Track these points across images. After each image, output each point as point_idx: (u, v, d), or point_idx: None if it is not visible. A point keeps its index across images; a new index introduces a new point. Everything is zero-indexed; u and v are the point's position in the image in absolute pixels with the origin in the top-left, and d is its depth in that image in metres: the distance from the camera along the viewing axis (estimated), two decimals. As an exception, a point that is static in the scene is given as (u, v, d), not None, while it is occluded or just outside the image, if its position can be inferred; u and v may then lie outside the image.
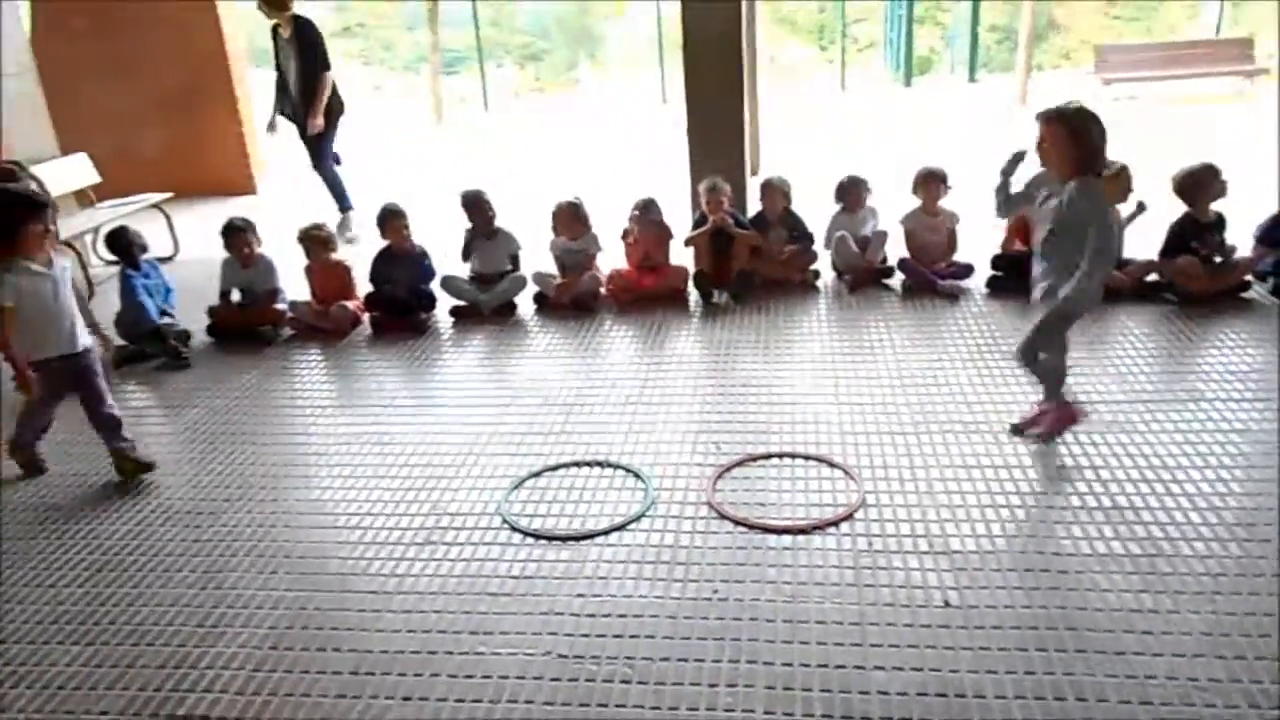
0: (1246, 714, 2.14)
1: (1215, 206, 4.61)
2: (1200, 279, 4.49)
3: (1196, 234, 4.53)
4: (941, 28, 22.34)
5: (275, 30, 6.73)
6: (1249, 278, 4.58)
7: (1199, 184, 4.52)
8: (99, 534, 3.26)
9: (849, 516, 3.02)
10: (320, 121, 6.73)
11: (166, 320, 4.96)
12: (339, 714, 2.35)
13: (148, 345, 4.84)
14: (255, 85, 9.13)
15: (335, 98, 6.91)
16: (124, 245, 5.02)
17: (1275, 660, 2.28)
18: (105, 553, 3.14)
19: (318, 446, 3.83)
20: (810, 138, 10.81)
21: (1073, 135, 3.01)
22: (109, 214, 6.36)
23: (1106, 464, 3.21)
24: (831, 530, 2.97)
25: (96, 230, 6.42)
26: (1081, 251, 3.02)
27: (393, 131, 14.19)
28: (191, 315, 5.18)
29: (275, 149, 9.82)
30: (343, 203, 7.06)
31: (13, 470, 3.77)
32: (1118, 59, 12.84)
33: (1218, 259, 4.53)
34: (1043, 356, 3.29)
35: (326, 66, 6.70)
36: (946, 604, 2.59)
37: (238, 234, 5.03)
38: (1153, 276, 4.69)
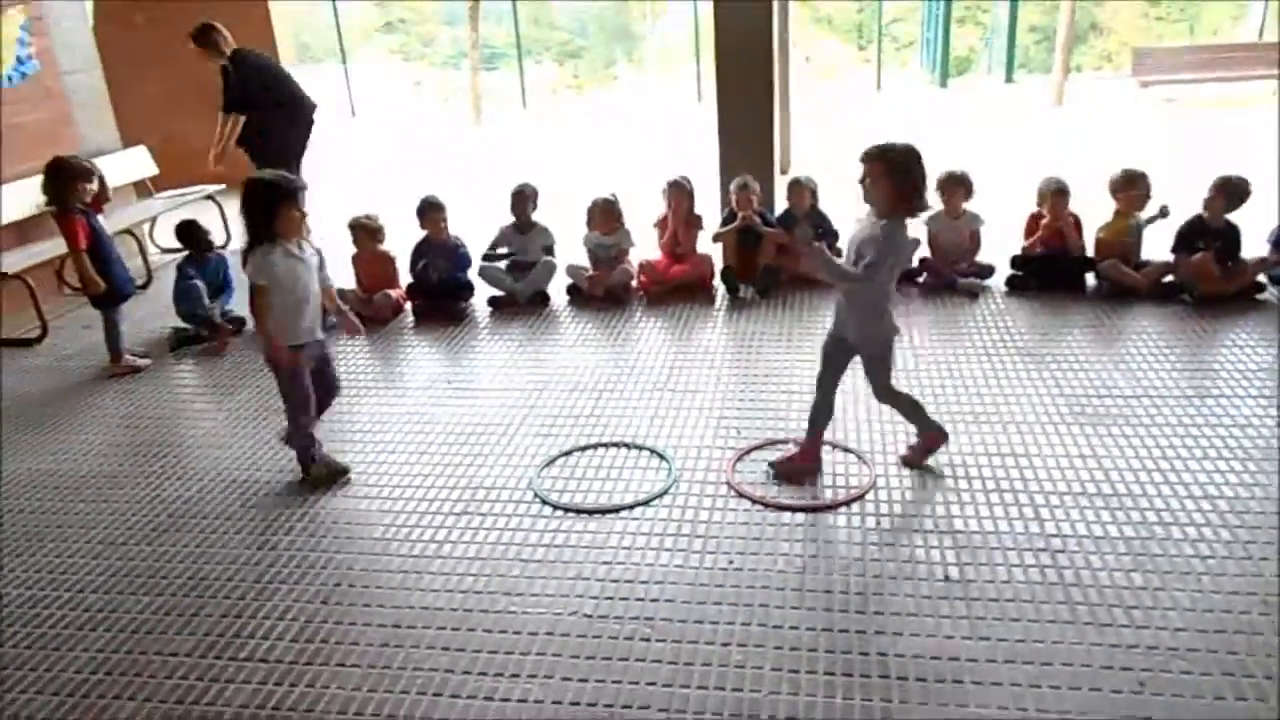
0: (1219, 681, 2.30)
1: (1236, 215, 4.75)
2: (1214, 279, 4.61)
3: (1203, 236, 4.66)
4: (982, 28, 22.27)
5: (224, 70, 6.52)
6: (1262, 279, 4.69)
7: (1212, 192, 4.70)
8: (162, 498, 3.53)
9: (860, 497, 3.21)
10: (214, 157, 6.48)
11: (214, 308, 5.23)
12: (383, 661, 2.58)
13: (203, 329, 5.14)
14: (308, 82, 9.44)
15: (305, 107, 6.84)
16: (194, 238, 5.33)
17: (1252, 634, 2.44)
18: (169, 515, 3.41)
19: (362, 424, 4.08)
20: (844, 137, 10.93)
21: (891, 174, 3.02)
22: (165, 204, 6.67)
23: (1109, 453, 3.37)
24: (843, 510, 3.16)
25: (154, 220, 6.75)
26: (884, 288, 3.13)
27: (432, 128, 14.51)
28: (243, 302, 5.46)
29: (324, 144, 10.15)
30: None
31: (82, 442, 4.07)
32: (1155, 62, 12.83)
33: (1229, 263, 4.65)
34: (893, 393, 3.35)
35: (235, 109, 6.46)
36: (947, 578, 2.77)
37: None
38: (1169, 278, 4.81)
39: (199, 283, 5.17)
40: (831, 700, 2.33)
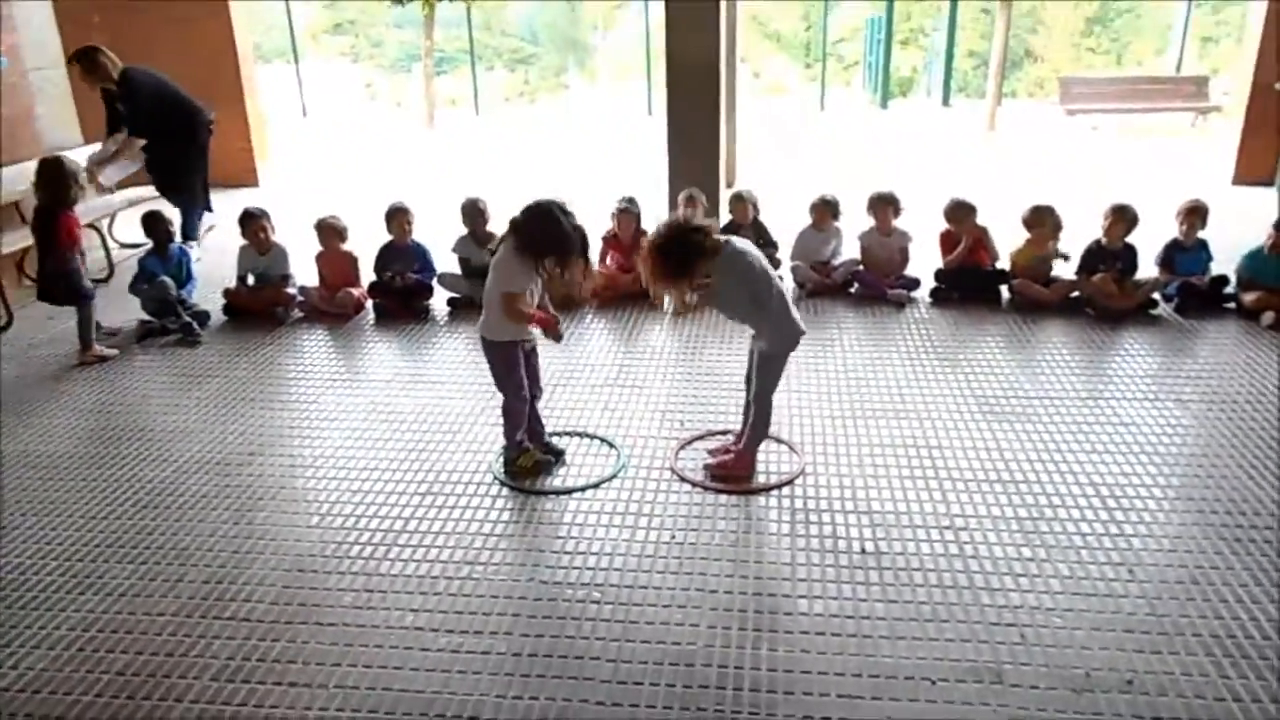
0: (1089, 635, 2.69)
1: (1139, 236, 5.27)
2: (1113, 296, 5.10)
3: (1103, 258, 5.18)
4: (924, 51, 23.11)
5: (107, 93, 6.57)
6: (1156, 296, 5.19)
7: (1111, 218, 5.23)
8: (140, 478, 3.74)
9: (790, 482, 3.56)
10: (101, 179, 6.52)
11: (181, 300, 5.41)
12: (359, 620, 2.85)
13: (169, 322, 5.31)
14: (261, 81, 9.62)
15: (200, 123, 6.93)
16: (158, 229, 5.49)
17: (1119, 597, 2.85)
18: (148, 494, 3.62)
19: (328, 412, 4.32)
20: (789, 154, 11.40)
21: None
22: (125, 200, 6.80)
23: (1009, 445, 3.78)
24: (774, 493, 3.51)
25: (113, 215, 6.87)
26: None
27: (386, 131, 14.66)
28: (204, 297, 5.67)
29: (277, 144, 10.31)
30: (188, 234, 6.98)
31: (57, 426, 4.24)
32: (1080, 91, 13.54)
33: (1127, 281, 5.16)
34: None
35: (136, 132, 6.57)
36: (863, 551, 3.13)
37: (254, 220, 5.51)
38: (1075, 294, 5.29)
39: (164, 277, 5.34)
40: (758, 652, 2.67)
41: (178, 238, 5.85)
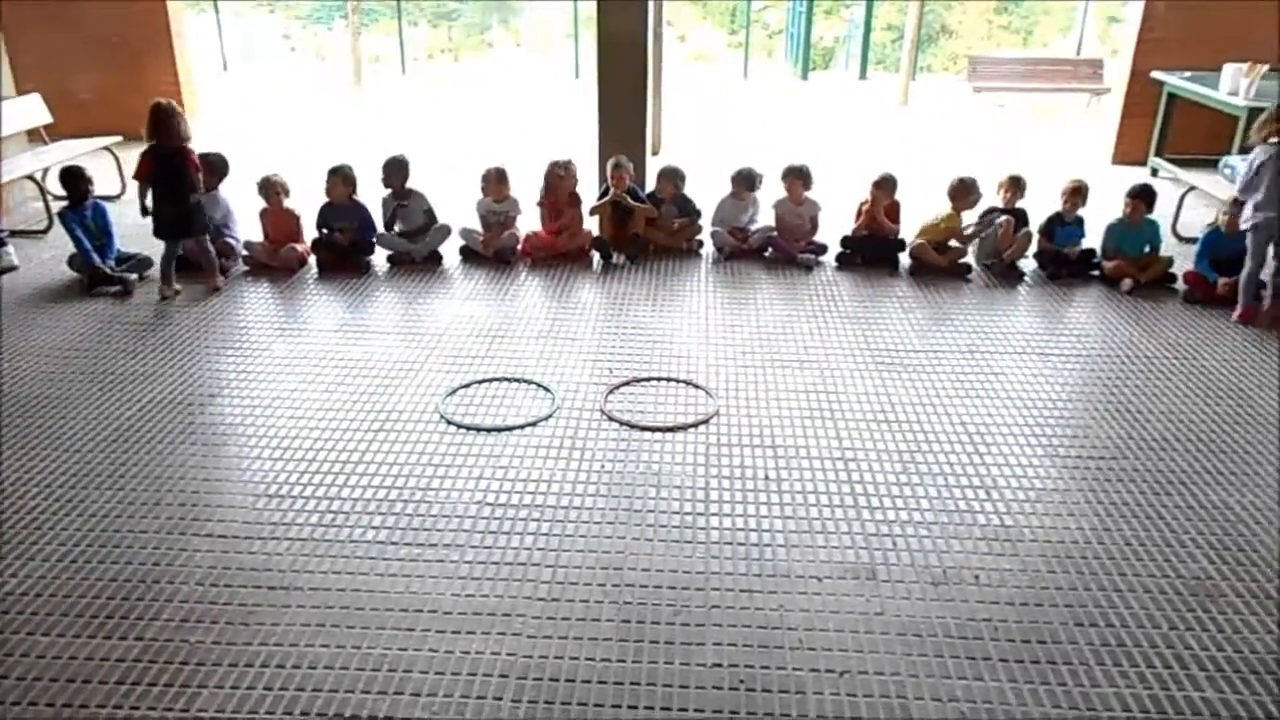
0: (950, 543, 3.24)
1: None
2: (1007, 237, 5.81)
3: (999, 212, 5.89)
4: (849, 23, 23.68)
5: None
6: (1028, 266, 5.85)
7: (1007, 186, 5.87)
8: (109, 416, 4.02)
9: (705, 422, 4.04)
10: None
11: (110, 261, 5.56)
12: (325, 536, 3.23)
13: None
14: (191, 34, 9.59)
15: None
16: (72, 185, 5.59)
17: (974, 513, 3.41)
18: (117, 431, 3.91)
19: (281, 359, 4.63)
20: (712, 122, 11.82)
21: None
22: (63, 153, 6.87)
23: (896, 391, 4.34)
24: (692, 431, 3.98)
25: (47, 168, 6.93)
26: None
27: (313, 90, 14.57)
28: (139, 247, 5.84)
29: (208, 97, 10.30)
30: None
31: (19, 370, 4.46)
32: (987, 70, 14.23)
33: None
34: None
35: None
36: (767, 478, 3.63)
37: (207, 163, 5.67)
38: (964, 259, 5.89)
39: (82, 236, 5.44)
40: (675, 558, 3.15)
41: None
